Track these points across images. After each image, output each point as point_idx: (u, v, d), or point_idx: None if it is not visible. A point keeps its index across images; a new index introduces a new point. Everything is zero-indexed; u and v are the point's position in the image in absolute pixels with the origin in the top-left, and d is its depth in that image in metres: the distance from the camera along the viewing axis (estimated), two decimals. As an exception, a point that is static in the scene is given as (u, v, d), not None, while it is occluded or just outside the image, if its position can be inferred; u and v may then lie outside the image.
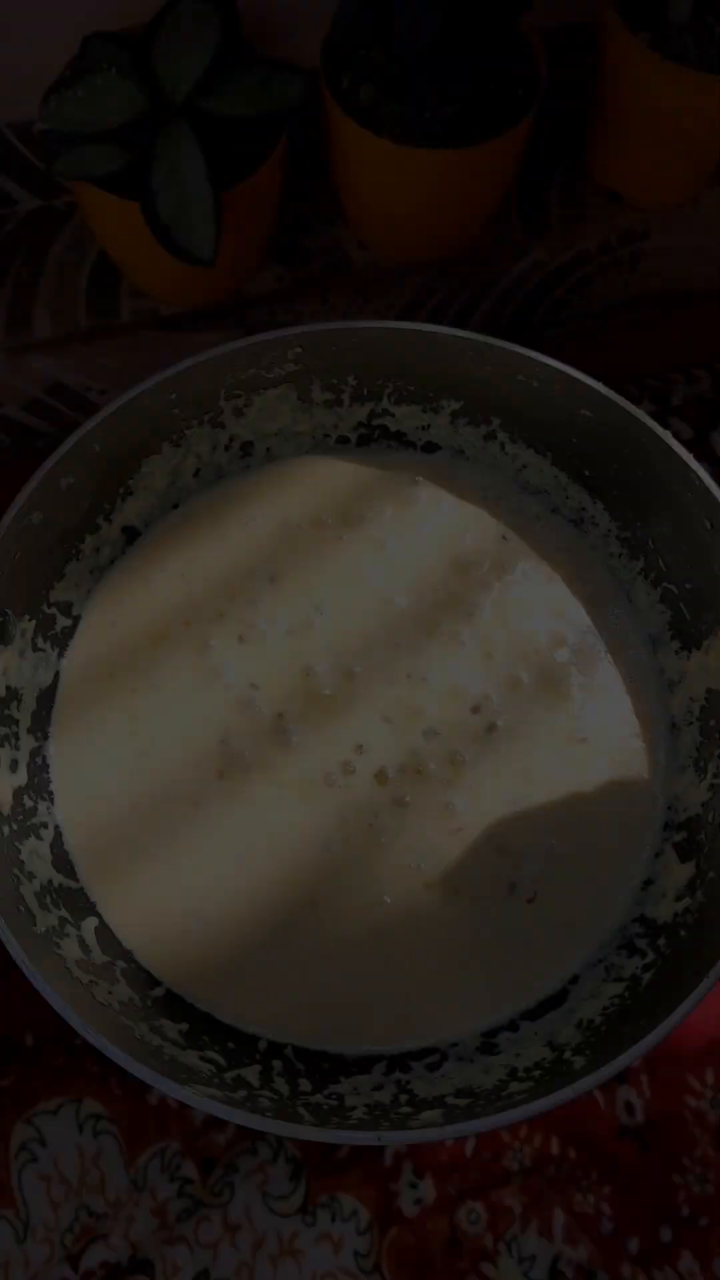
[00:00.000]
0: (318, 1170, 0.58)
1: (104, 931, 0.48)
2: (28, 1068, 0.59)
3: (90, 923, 0.47)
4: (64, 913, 0.46)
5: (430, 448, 0.57)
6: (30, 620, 0.50)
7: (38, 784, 0.49)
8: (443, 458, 0.57)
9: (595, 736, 0.51)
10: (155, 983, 0.47)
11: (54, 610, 0.51)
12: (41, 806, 0.49)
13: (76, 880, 0.49)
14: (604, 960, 0.48)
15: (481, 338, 0.49)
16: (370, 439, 0.57)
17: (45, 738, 0.51)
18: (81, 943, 0.46)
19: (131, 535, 0.55)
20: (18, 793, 0.47)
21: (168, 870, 0.49)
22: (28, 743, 0.49)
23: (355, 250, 0.69)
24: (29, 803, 0.48)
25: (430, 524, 0.55)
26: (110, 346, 0.68)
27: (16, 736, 0.49)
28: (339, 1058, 0.47)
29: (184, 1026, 0.46)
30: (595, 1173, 0.58)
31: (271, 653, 0.52)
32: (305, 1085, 0.44)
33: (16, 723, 0.49)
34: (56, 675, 0.52)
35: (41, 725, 0.51)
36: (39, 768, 0.50)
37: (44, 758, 0.50)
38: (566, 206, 0.71)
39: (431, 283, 0.71)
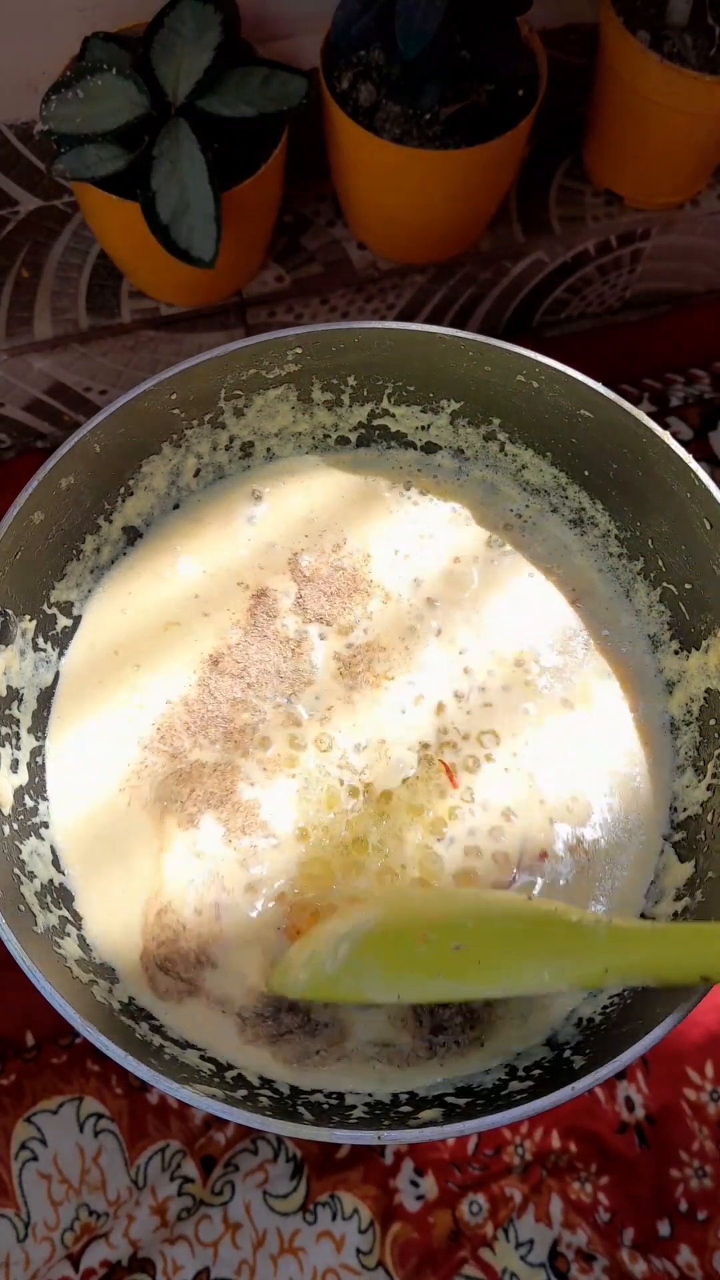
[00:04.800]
0: (318, 1169, 0.58)
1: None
2: (28, 1067, 0.59)
3: (90, 921, 0.47)
4: (64, 912, 0.46)
5: (430, 448, 0.57)
6: (31, 620, 0.50)
7: (38, 783, 0.49)
8: (443, 458, 0.57)
9: (595, 737, 0.51)
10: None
11: (54, 610, 0.51)
12: (42, 806, 0.49)
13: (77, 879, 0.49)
14: (603, 959, 0.48)
15: (481, 338, 0.49)
16: (370, 439, 0.57)
17: (46, 737, 0.51)
18: (81, 942, 0.46)
19: (132, 535, 0.55)
20: (18, 792, 0.48)
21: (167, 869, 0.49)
22: (28, 743, 0.49)
23: (355, 250, 0.69)
24: (30, 802, 0.48)
25: (429, 525, 0.55)
26: (110, 346, 0.68)
27: (17, 736, 0.49)
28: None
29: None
30: (594, 1164, 0.58)
31: (271, 656, 0.52)
32: (305, 1084, 0.44)
33: (17, 722, 0.49)
34: (57, 675, 0.52)
35: (42, 725, 0.51)
36: (39, 767, 0.50)
37: (44, 757, 0.50)
38: (566, 206, 0.71)
39: (431, 283, 0.71)
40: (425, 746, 0.50)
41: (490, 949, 0.39)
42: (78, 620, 0.53)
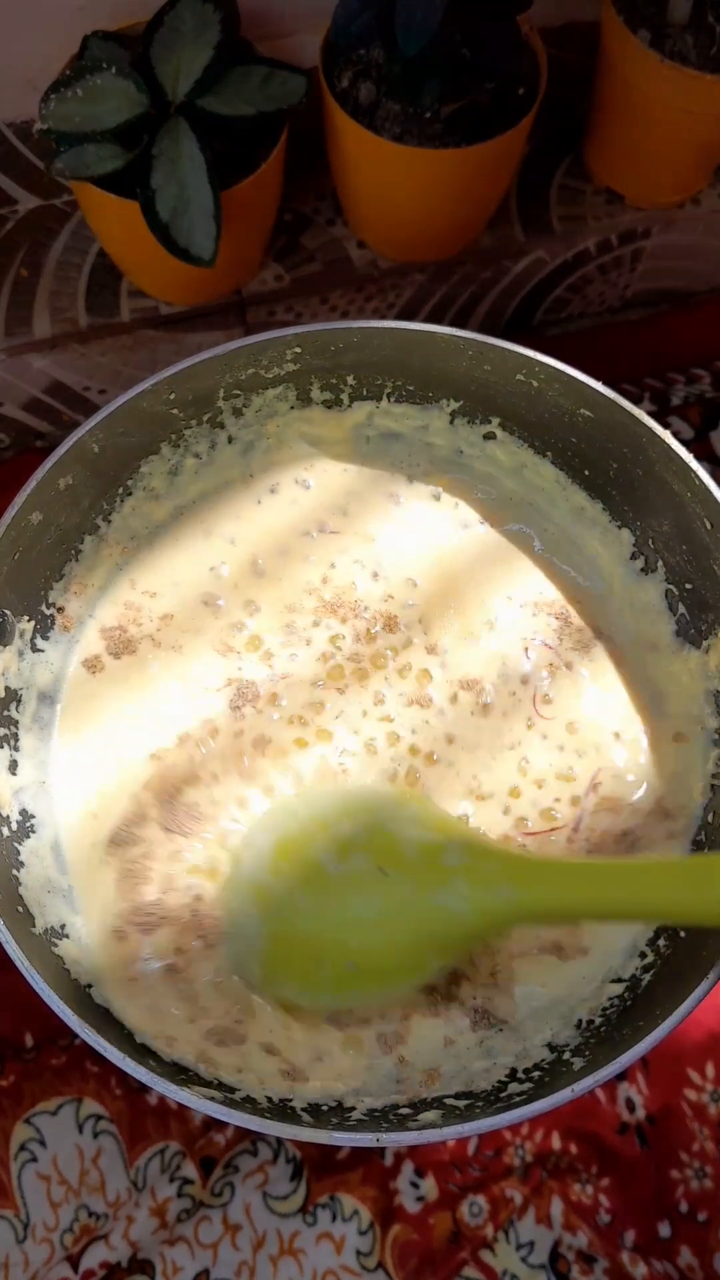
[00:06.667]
0: (318, 1170, 0.58)
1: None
2: (27, 1068, 0.59)
3: (89, 922, 0.47)
4: (63, 913, 0.46)
5: (430, 447, 0.57)
6: (30, 620, 0.50)
7: (38, 784, 0.49)
8: (442, 458, 0.57)
9: (595, 737, 0.51)
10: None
11: (54, 610, 0.51)
12: (41, 806, 0.49)
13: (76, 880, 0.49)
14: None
15: (481, 338, 0.49)
16: (370, 439, 0.57)
17: (45, 738, 0.51)
18: (80, 944, 0.46)
19: (132, 535, 0.55)
20: (18, 793, 0.47)
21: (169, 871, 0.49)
22: (28, 743, 0.49)
23: (355, 250, 0.69)
24: (29, 802, 0.48)
25: (429, 525, 0.55)
26: (110, 346, 0.68)
27: (16, 737, 0.49)
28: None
29: (183, 1027, 0.46)
30: (595, 1166, 0.58)
31: (271, 656, 0.52)
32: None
33: (16, 723, 0.49)
34: (57, 675, 0.52)
35: (41, 725, 0.51)
36: (39, 768, 0.50)
37: (44, 758, 0.50)
38: (566, 206, 0.71)
39: (431, 283, 0.71)
40: (414, 752, 0.50)
41: (378, 960, 0.42)
42: (78, 620, 0.53)
